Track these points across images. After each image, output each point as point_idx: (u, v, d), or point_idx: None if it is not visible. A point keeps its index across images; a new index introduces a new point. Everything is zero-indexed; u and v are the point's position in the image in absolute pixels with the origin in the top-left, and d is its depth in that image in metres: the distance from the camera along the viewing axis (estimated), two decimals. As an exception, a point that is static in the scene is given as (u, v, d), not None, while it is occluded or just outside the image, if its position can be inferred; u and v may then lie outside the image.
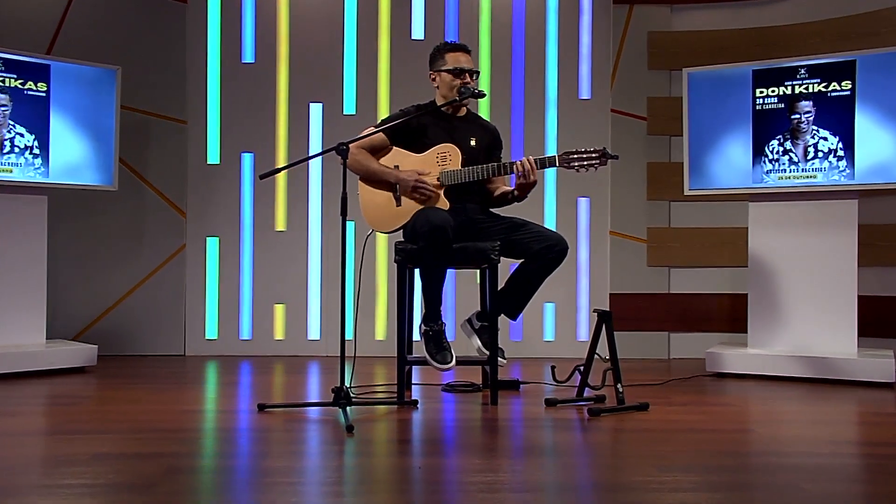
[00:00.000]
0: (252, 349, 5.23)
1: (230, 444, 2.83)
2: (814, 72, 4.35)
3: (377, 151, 3.67)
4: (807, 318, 4.39)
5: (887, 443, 2.93)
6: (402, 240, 3.66)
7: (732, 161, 4.52)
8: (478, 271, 3.91)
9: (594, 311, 3.49)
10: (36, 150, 4.42)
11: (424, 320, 3.59)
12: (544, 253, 3.56)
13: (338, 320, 3.26)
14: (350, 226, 4.97)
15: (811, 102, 4.35)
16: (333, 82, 5.27)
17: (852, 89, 4.25)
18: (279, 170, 3.55)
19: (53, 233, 4.82)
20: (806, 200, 4.41)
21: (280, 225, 5.28)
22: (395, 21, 5.29)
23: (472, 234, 3.63)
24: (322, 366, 4.79)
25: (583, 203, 5.29)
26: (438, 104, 3.72)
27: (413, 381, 3.97)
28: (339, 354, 3.21)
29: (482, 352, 3.67)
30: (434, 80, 3.78)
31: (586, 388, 3.52)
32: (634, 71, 5.34)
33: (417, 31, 5.30)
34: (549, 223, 5.22)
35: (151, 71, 5.20)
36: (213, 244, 5.27)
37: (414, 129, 3.66)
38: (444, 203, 3.57)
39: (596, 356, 3.46)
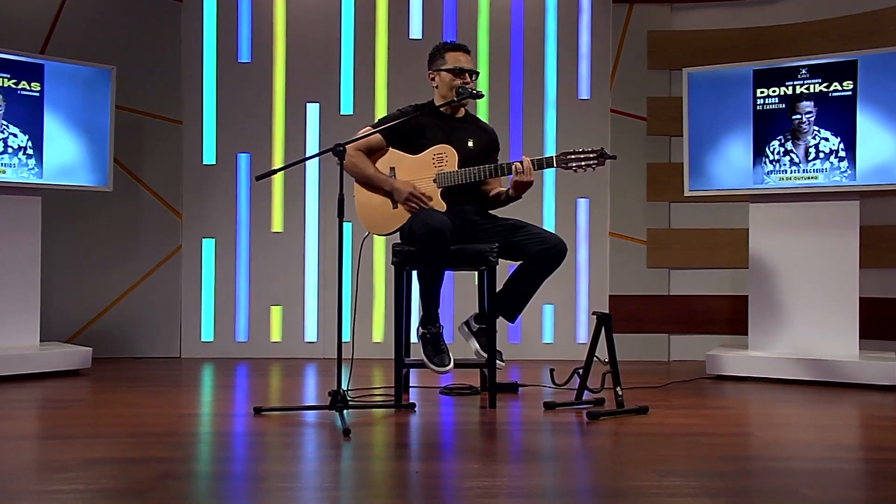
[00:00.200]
0: (248, 351, 5.21)
1: (226, 449, 2.81)
2: (815, 72, 4.32)
3: (373, 152, 3.65)
4: (808, 321, 4.37)
5: (889, 447, 2.91)
6: (399, 242, 3.64)
7: (733, 162, 4.50)
8: (476, 273, 3.89)
9: (593, 314, 3.47)
10: (30, 151, 4.39)
11: (422, 323, 3.58)
12: (543, 255, 3.55)
13: (335, 322, 3.23)
14: (347, 227, 4.95)
15: (812, 103, 4.33)
16: (330, 82, 5.25)
17: (854, 89, 4.22)
18: (275, 171, 3.54)
19: (47, 234, 4.79)
20: (807, 201, 4.39)
21: (277, 226, 5.26)
22: (392, 20, 5.28)
23: (469, 235, 3.62)
24: (319, 368, 4.77)
25: (582, 204, 5.28)
26: (437, 104, 3.70)
27: (411, 384, 3.95)
28: (336, 357, 3.19)
29: (480, 354, 3.66)
30: (433, 79, 3.76)
31: (585, 391, 3.50)
32: (634, 71, 5.32)
33: (415, 31, 5.28)
34: (549, 224, 5.21)
35: (146, 70, 5.17)
36: (209, 245, 5.25)
37: (411, 129, 3.65)
38: (440, 205, 3.55)
39: (595, 359, 3.44)
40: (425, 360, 3.51)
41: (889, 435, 3.13)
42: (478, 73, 3.78)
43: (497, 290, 3.62)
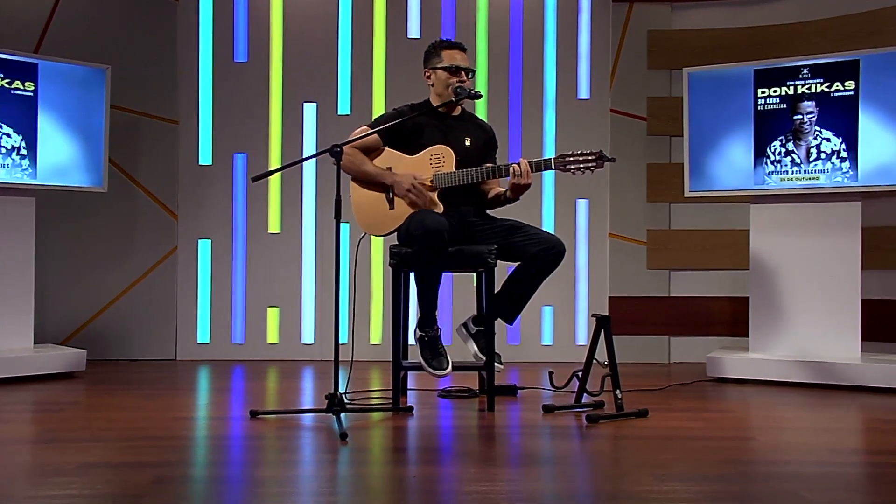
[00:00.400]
0: (245, 353, 5.19)
1: (221, 453, 2.79)
2: (816, 71, 4.31)
3: (370, 153, 3.63)
4: (809, 322, 4.35)
5: (891, 451, 2.89)
6: (397, 243, 3.61)
7: (733, 162, 4.48)
8: (474, 275, 3.87)
9: (592, 316, 3.47)
10: (23, 151, 4.36)
11: (419, 325, 3.55)
12: (541, 256, 3.53)
13: (332, 324, 3.21)
14: (344, 228, 4.93)
15: (814, 103, 4.31)
16: (328, 82, 5.23)
17: (856, 89, 4.21)
18: (271, 172, 3.52)
19: (42, 235, 4.76)
20: (808, 202, 4.37)
21: (273, 227, 5.24)
22: (390, 19, 5.26)
23: (467, 236, 3.60)
24: (316, 370, 4.75)
25: (581, 205, 5.26)
26: (433, 103, 3.68)
27: (409, 387, 3.94)
28: (333, 359, 3.17)
29: (479, 357, 3.65)
30: (429, 77, 3.74)
31: (585, 394, 3.49)
32: (634, 70, 5.30)
33: (413, 30, 5.27)
34: (548, 225, 5.19)
35: (142, 70, 5.14)
36: (205, 246, 5.23)
37: (408, 129, 3.63)
38: (438, 206, 3.53)
39: (595, 361, 3.43)
40: (423, 363, 3.49)
41: (891, 438, 3.11)
42: (474, 72, 3.75)
43: (495, 292, 3.60)
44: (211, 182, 5.20)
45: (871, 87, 4.17)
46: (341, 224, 3.22)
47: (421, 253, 3.39)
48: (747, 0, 5.28)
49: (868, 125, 4.18)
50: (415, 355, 3.57)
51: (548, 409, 3.42)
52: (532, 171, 3.49)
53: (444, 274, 3.53)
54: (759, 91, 4.42)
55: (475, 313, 3.81)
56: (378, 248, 5.17)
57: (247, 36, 5.23)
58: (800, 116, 4.34)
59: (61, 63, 4.51)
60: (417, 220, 3.39)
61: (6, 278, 4.38)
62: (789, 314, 4.40)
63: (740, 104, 4.45)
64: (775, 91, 4.39)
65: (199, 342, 5.20)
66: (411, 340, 3.74)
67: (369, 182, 3.60)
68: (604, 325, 3.36)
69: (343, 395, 3.18)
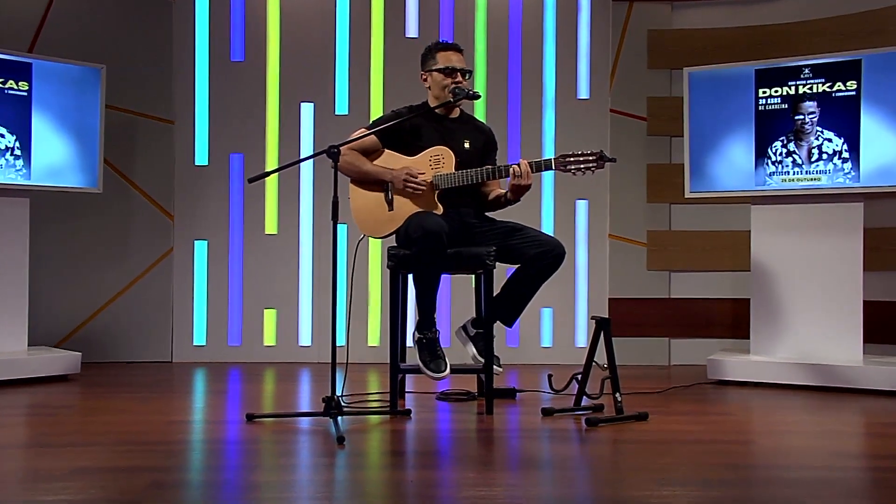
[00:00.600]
0: (241, 356, 5.17)
1: (217, 457, 2.78)
2: (818, 71, 4.29)
3: (368, 154, 3.62)
4: (811, 325, 4.33)
5: (894, 455, 2.88)
6: (395, 245, 3.60)
7: (734, 163, 4.47)
8: (473, 277, 3.85)
9: (592, 319, 3.46)
10: (17, 152, 4.34)
11: (418, 328, 3.54)
12: (540, 258, 3.51)
13: (329, 326, 3.20)
14: (342, 229, 4.93)
15: (815, 103, 4.30)
16: (325, 81, 5.21)
17: (858, 89, 4.19)
18: (267, 174, 3.50)
19: (36, 236, 4.73)
20: (810, 203, 4.36)
21: (270, 228, 5.22)
22: (388, 19, 5.24)
23: (466, 238, 3.58)
24: (313, 373, 4.75)
25: (581, 205, 5.24)
26: (431, 105, 3.67)
27: (407, 390, 3.92)
28: (330, 361, 3.17)
29: (477, 360, 3.63)
30: (425, 80, 3.73)
31: (584, 397, 3.48)
32: (634, 70, 5.28)
33: (411, 29, 5.25)
34: (547, 226, 5.18)
35: (137, 69, 5.12)
36: (201, 248, 5.20)
37: (407, 131, 3.62)
38: (437, 207, 3.51)
39: (594, 364, 3.41)
40: (421, 365, 3.47)
41: (893, 442, 3.10)
42: (471, 72, 3.74)
43: (494, 294, 3.58)
44: (207, 182, 5.18)
45: (873, 88, 4.15)
46: (339, 225, 3.21)
47: (420, 255, 3.37)
48: (748, -1, 5.28)
49: (870, 126, 4.16)
50: (413, 358, 3.56)
51: (547, 413, 3.41)
52: (532, 172, 3.47)
53: (442, 276, 3.52)
54: (760, 91, 4.41)
55: (474, 316, 3.79)
56: (376, 250, 5.14)
57: (243, 35, 5.20)
58: (801, 117, 4.32)
59: (56, 62, 4.48)
60: (416, 222, 3.38)
61: (0, 280, 4.35)
62: (790, 316, 4.38)
63: (741, 104, 4.44)
64: (776, 91, 4.38)
65: (195, 344, 5.18)
66: (409, 342, 3.72)
67: (368, 181, 3.58)
68: (603, 328, 3.35)
69: (340, 399, 3.17)
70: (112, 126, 4.91)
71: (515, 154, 5.16)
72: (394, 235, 3.59)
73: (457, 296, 5.09)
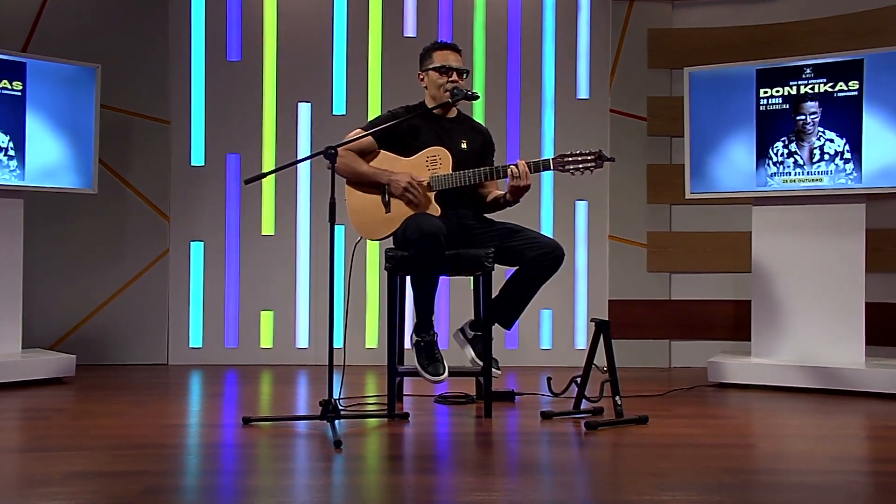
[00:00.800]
0: (238, 358, 5.15)
1: (213, 461, 2.77)
2: (820, 71, 4.27)
3: (365, 155, 3.60)
4: (813, 326, 4.32)
5: (898, 459, 2.87)
6: (393, 247, 3.58)
7: (735, 163, 4.45)
8: (471, 279, 3.83)
9: (592, 321, 3.44)
10: (11, 152, 4.32)
11: (416, 331, 3.51)
12: (539, 260, 3.50)
13: (327, 328, 3.18)
14: (339, 230, 4.91)
15: (817, 103, 4.28)
16: (323, 81, 5.19)
17: (860, 89, 4.17)
18: (264, 175, 3.50)
19: (30, 237, 4.71)
20: (811, 204, 4.35)
21: (267, 229, 5.19)
22: (386, 17, 5.22)
23: (465, 240, 3.56)
24: (311, 375, 4.73)
25: (581, 206, 5.22)
26: (428, 105, 3.66)
27: (405, 393, 3.91)
28: (327, 363, 3.15)
29: (476, 363, 3.61)
30: (422, 79, 3.72)
31: (583, 401, 3.47)
32: (634, 70, 5.26)
33: (410, 28, 5.23)
34: (546, 227, 5.16)
35: (133, 69, 5.10)
36: (197, 249, 5.18)
37: (403, 131, 3.60)
38: (434, 209, 3.49)
39: (594, 367, 3.40)
40: (419, 369, 3.45)
41: (896, 446, 3.09)
42: (467, 72, 3.72)
43: (493, 297, 3.56)
44: (203, 183, 5.16)
45: (876, 88, 4.14)
46: (336, 226, 3.18)
47: (417, 257, 3.35)
48: (748, -2, 5.26)
49: (872, 126, 4.14)
50: (411, 360, 3.54)
51: (546, 416, 3.40)
52: (531, 172, 3.46)
53: (440, 278, 3.51)
54: (762, 91, 4.39)
55: (472, 318, 3.78)
56: (374, 252, 5.12)
57: (240, 34, 5.18)
58: (803, 117, 4.30)
59: (50, 62, 4.46)
60: (414, 224, 3.35)
61: (-6, 281, 4.34)
62: (792, 318, 4.36)
63: (742, 104, 4.42)
64: (778, 91, 4.36)
65: (191, 346, 5.15)
66: (407, 345, 3.70)
67: (365, 182, 3.56)
68: (603, 331, 3.33)
69: (337, 402, 3.16)
70: (107, 126, 4.89)
71: (515, 154, 5.14)
72: (391, 237, 3.57)
73: (455, 298, 5.07)
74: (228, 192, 5.17)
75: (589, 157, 3.44)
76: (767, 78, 4.37)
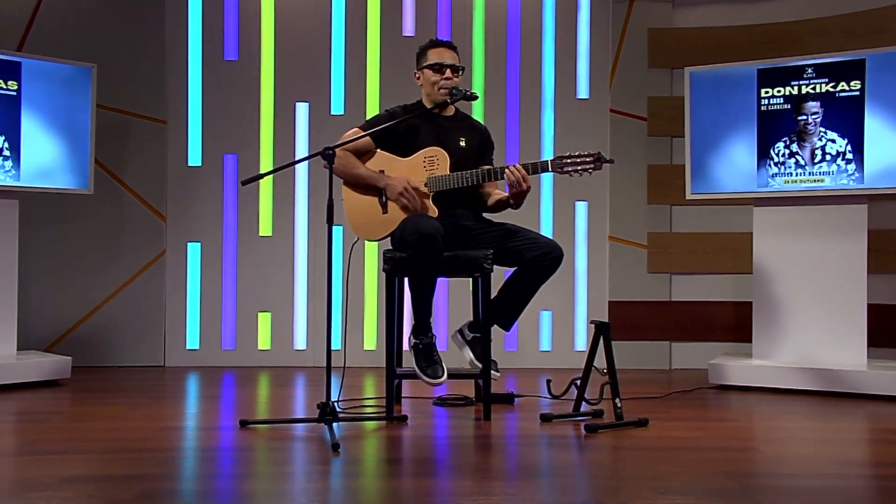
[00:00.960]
0: (235, 360, 5.13)
1: (210, 465, 2.75)
2: (821, 71, 4.26)
3: (361, 155, 3.59)
4: (814, 328, 4.30)
5: (899, 463, 2.86)
6: (391, 248, 3.56)
7: (736, 164, 4.44)
8: (470, 280, 3.80)
9: (591, 323, 3.42)
10: (6, 153, 4.30)
11: (414, 333, 3.50)
12: (538, 261, 3.48)
13: (324, 330, 3.15)
14: (337, 232, 4.90)
15: (818, 103, 4.26)
16: (320, 81, 5.17)
17: (862, 89, 4.16)
18: (261, 176, 3.48)
19: (25, 239, 4.69)
20: (813, 205, 4.33)
21: (265, 230, 5.18)
22: (384, 17, 5.20)
23: (463, 241, 3.55)
24: (308, 377, 4.72)
25: (581, 207, 5.21)
26: (425, 104, 3.65)
27: (403, 395, 3.90)
28: (325, 365, 3.14)
29: (475, 364, 3.59)
30: (418, 78, 3.71)
31: (583, 403, 3.45)
32: (634, 69, 5.24)
33: (408, 28, 5.22)
34: (546, 228, 5.15)
35: (129, 68, 5.08)
36: (194, 250, 5.16)
37: (401, 131, 3.58)
38: (432, 210, 3.47)
39: (594, 369, 3.38)
40: (417, 371, 3.44)
41: (899, 449, 3.08)
42: (463, 68, 3.70)
43: (492, 298, 3.55)
44: (200, 183, 5.14)
45: (878, 88, 4.12)
46: (334, 227, 3.16)
47: (415, 258, 3.33)
48: (749, -2, 5.25)
49: (874, 126, 4.13)
50: (409, 362, 3.52)
51: (545, 419, 3.39)
52: (529, 174, 3.44)
53: (439, 279, 3.49)
54: (763, 91, 4.37)
55: (471, 319, 3.77)
56: (372, 253, 5.10)
57: (237, 33, 5.16)
58: (804, 117, 4.29)
59: (46, 61, 4.44)
60: (411, 225, 3.33)
61: (-11, 283, 4.32)
62: (793, 319, 4.35)
63: (743, 104, 4.41)
64: (779, 91, 4.34)
65: (188, 348, 5.14)
66: (406, 347, 3.68)
67: (361, 185, 3.55)
68: (603, 332, 3.32)
69: (335, 404, 3.13)
70: (103, 126, 4.87)
71: (514, 155, 5.13)
72: (389, 238, 3.56)
73: (453, 299, 5.05)
74: (226, 193, 5.15)
75: (588, 159, 3.42)
76: (768, 78, 4.36)
